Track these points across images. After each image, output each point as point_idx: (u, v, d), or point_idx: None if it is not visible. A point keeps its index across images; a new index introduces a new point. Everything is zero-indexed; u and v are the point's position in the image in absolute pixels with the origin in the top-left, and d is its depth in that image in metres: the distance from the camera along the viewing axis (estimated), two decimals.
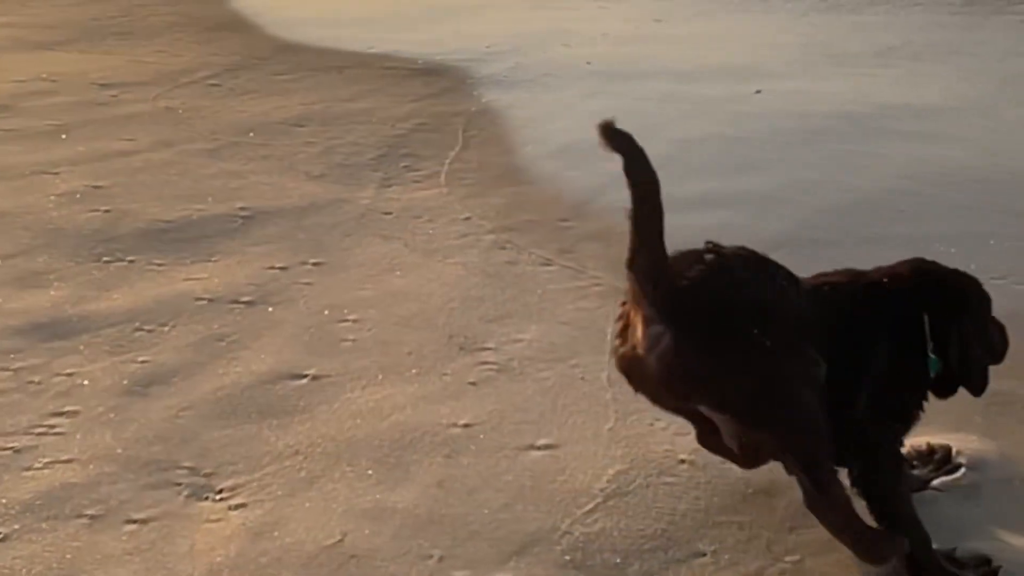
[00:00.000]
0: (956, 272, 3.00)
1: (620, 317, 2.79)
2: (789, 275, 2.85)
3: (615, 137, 2.68)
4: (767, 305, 2.70)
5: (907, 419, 2.91)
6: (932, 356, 2.86)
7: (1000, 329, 3.04)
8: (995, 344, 3.01)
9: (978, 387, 2.96)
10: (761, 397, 2.64)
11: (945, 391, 2.97)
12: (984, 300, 3.00)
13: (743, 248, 2.84)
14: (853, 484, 2.82)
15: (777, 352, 2.64)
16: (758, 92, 6.94)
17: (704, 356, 2.61)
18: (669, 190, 5.67)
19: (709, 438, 2.99)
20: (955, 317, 2.89)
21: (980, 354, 2.94)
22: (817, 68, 7.62)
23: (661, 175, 6.05)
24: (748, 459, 2.94)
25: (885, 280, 2.92)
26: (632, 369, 2.75)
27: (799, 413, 2.67)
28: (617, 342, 2.77)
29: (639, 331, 2.67)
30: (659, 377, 2.67)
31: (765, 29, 8.90)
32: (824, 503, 2.72)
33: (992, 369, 3.11)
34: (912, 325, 2.86)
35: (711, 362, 2.61)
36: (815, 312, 2.79)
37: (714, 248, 2.80)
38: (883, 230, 4.90)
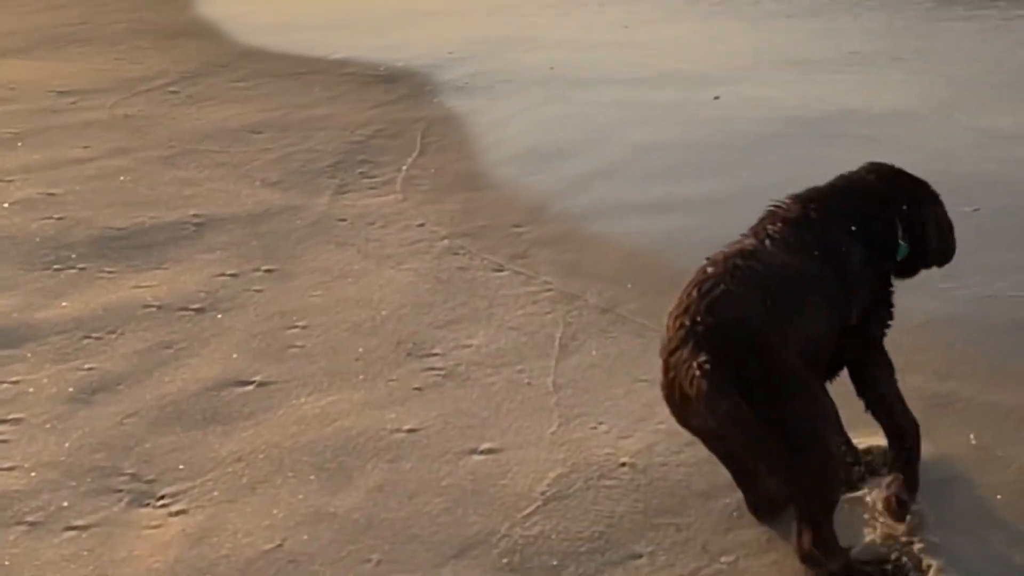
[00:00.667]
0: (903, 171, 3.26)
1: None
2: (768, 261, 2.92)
3: None
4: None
5: (889, 306, 3.13)
6: (902, 243, 3.11)
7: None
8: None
9: (950, 257, 3.27)
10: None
11: (908, 273, 3.21)
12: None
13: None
14: (856, 381, 3.05)
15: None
16: (717, 98, 6.98)
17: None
18: (625, 195, 5.73)
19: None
20: (927, 203, 3.20)
21: (948, 231, 3.25)
22: (776, 74, 7.66)
23: (616, 180, 6.09)
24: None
25: (853, 190, 3.14)
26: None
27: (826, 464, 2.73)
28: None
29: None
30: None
31: (729, 35, 8.94)
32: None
33: (934, 371, 3.23)
34: (883, 220, 3.10)
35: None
36: (801, 259, 2.94)
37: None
38: None
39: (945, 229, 3.26)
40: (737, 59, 8.10)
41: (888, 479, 3.06)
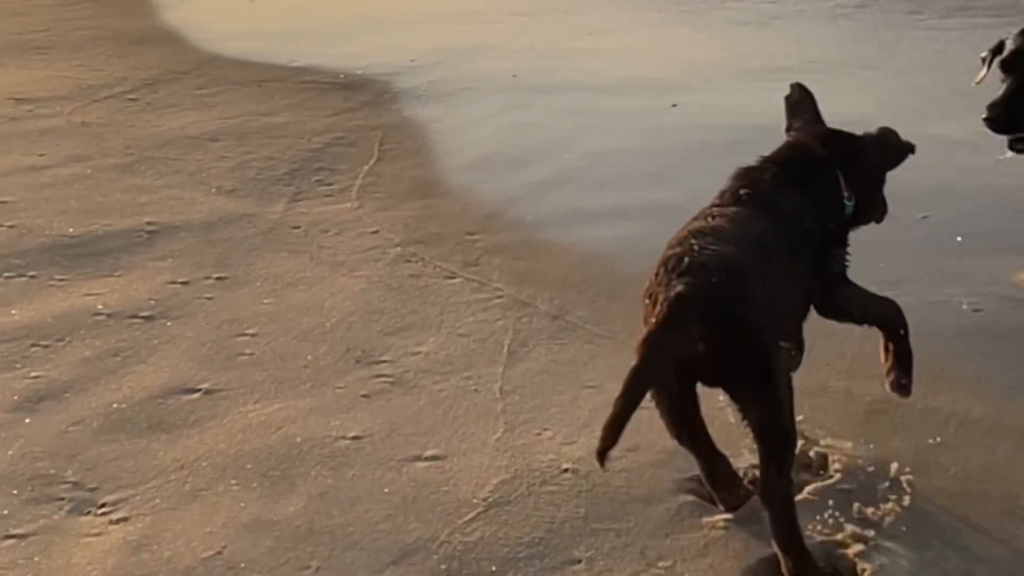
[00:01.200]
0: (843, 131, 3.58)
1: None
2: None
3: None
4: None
5: (844, 244, 3.40)
6: (847, 202, 3.41)
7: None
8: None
9: (883, 215, 3.65)
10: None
11: (857, 225, 3.49)
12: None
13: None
14: (823, 311, 3.30)
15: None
16: (674, 106, 7.02)
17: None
18: (579, 202, 5.75)
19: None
20: (859, 167, 3.47)
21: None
22: (735, 81, 7.70)
23: (571, 187, 6.11)
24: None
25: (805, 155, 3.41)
26: None
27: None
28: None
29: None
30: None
31: (693, 44, 8.98)
32: (780, 491, 2.86)
33: (877, 375, 3.45)
34: (831, 181, 3.39)
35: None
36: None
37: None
38: None
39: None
40: (699, 67, 8.14)
41: (887, 366, 3.40)
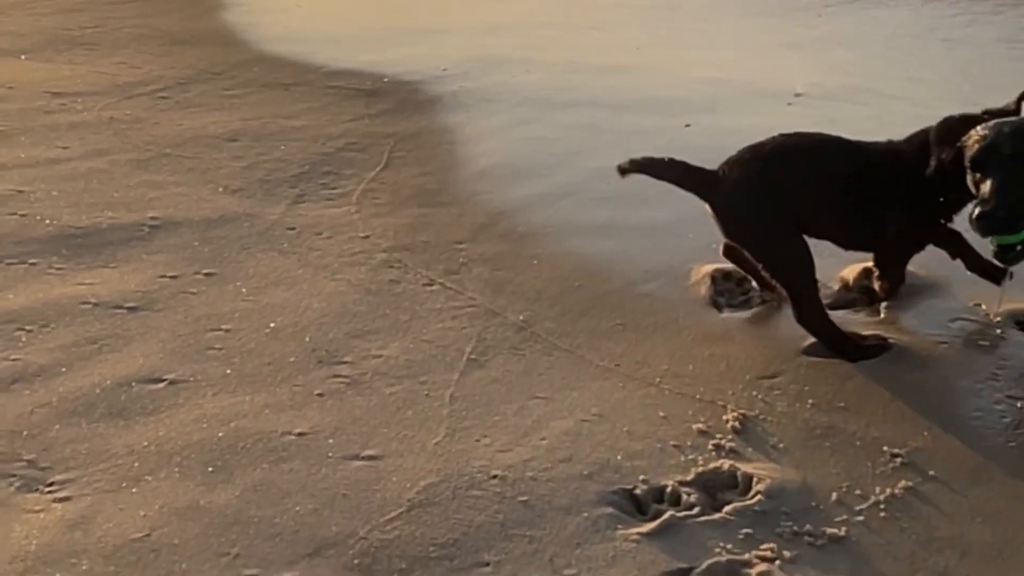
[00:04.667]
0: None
1: None
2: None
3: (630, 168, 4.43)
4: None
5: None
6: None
7: None
8: None
9: None
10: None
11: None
12: None
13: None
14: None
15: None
16: (687, 126, 7.08)
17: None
18: (573, 217, 5.82)
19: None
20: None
21: None
22: (754, 104, 7.74)
23: (568, 202, 6.17)
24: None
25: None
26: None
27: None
28: None
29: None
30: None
31: (730, 63, 9.02)
32: (802, 316, 4.11)
33: (819, 403, 3.76)
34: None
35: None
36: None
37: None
38: None
39: None
40: (722, 87, 8.18)
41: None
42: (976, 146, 3.70)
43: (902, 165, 4.10)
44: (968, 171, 3.74)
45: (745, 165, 4.21)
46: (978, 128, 3.76)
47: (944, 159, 3.90)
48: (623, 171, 4.36)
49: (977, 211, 3.56)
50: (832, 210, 4.18)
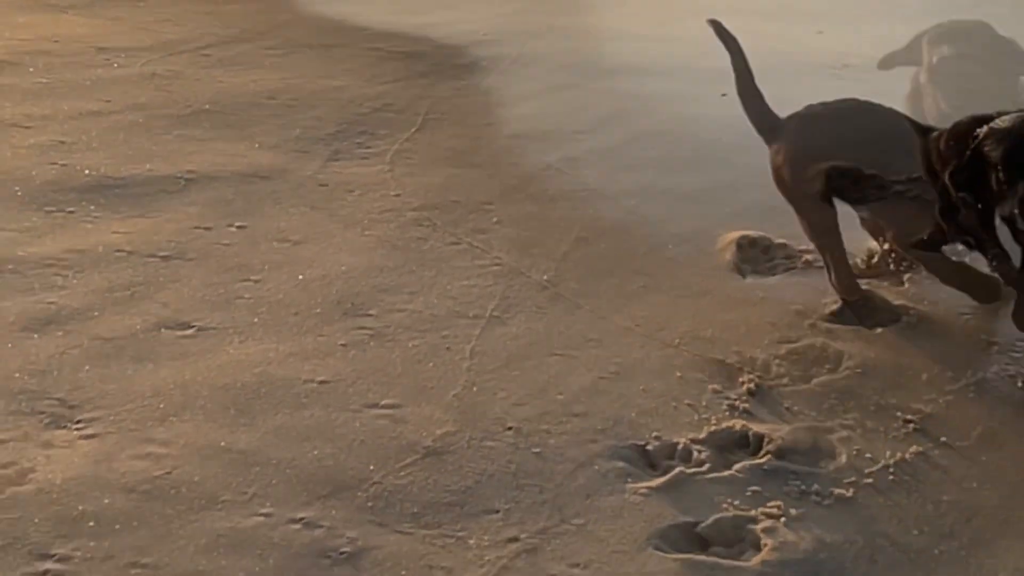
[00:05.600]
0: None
1: None
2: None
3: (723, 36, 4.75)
4: None
5: None
6: None
7: None
8: None
9: None
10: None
11: None
12: None
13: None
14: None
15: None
16: (724, 95, 7.06)
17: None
18: (602, 181, 5.84)
19: None
20: None
21: None
22: (797, 76, 7.69)
23: (599, 166, 6.20)
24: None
25: None
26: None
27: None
28: None
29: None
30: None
31: (774, 35, 8.95)
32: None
33: (836, 368, 3.92)
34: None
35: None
36: None
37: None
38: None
39: None
40: (767, 57, 8.13)
41: None
42: (1003, 144, 3.49)
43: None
44: (993, 170, 3.53)
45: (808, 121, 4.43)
46: (994, 123, 3.57)
47: (957, 166, 3.64)
48: (714, 24, 4.79)
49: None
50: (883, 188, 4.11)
